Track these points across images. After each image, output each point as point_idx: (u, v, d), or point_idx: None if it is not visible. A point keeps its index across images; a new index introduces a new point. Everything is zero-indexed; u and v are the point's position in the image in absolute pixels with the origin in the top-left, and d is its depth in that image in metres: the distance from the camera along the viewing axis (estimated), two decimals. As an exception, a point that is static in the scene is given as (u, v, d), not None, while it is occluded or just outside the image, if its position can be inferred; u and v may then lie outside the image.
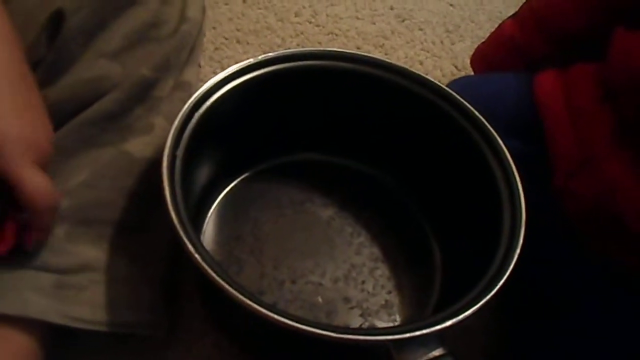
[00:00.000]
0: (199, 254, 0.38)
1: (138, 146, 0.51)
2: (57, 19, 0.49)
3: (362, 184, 0.61)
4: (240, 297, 0.37)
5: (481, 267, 0.44)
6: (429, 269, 0.56)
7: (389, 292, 0.55)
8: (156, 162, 0.50)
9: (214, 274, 0.37)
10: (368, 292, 0.54)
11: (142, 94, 0.53)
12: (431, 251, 0.57)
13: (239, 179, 0.59)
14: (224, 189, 0.58)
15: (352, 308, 0.53)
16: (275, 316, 0.36)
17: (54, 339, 0.46)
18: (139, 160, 0.51)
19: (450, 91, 0.53)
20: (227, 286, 0.37)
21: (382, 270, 0.56)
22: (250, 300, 0.37)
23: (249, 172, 0.59)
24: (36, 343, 0.44)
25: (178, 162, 0.44)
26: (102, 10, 0.52)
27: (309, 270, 0.55)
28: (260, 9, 0.87)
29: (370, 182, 0.61)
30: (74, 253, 0.46)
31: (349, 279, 0.55)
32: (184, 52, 0.57)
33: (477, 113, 0.51)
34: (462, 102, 0.52)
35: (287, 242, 0.56)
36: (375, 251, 0.57)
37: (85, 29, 0.51)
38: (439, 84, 0.53)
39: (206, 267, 0.38)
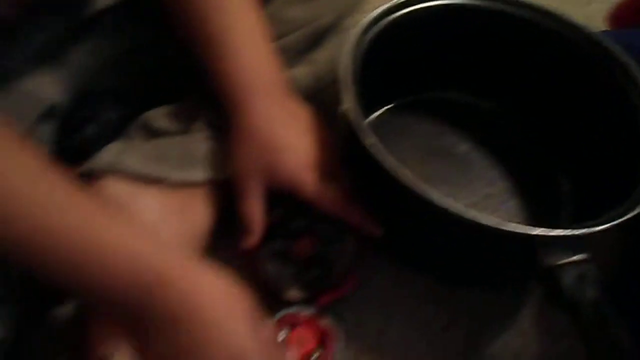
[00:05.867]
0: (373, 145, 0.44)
1: (302, 73, 0.58)
2: None
3: (498, 124, 0.65)
4: (415, 185, 0.42)
5: (614, 202, 0.46)
6: (559, 204, 0.59)
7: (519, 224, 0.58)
8: (314, 90, 0.57)
9: (391, 164, 0.43)
10: (499, 221, 0.58)
11: (321, 36, 0.59)
12: (561, 188, 0.60)
13: (383, 109, 0.64)
14: (370, 115, 0.64)
15: (484, 235, 0.57)
16: (446, 204, 0.41)
17: None
18: (299, 87, 0.57)
19: (599, 34, 0.55)
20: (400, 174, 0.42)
21: (514, 202, 0.59)
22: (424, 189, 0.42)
23: (395, 102, 0.64)
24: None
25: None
26: None
27: (443, 195, 0.59)
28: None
29: (507, 123, 0.65)
30: None
31: (480, 208, 0.59)
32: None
33: (619, 53, 0.53)
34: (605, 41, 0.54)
35: (423, 168, 0.60)
36: (508, 185, 0.60)
37: None
38: (591, 30, 0.56)
39: (383, 157, 0.43)
